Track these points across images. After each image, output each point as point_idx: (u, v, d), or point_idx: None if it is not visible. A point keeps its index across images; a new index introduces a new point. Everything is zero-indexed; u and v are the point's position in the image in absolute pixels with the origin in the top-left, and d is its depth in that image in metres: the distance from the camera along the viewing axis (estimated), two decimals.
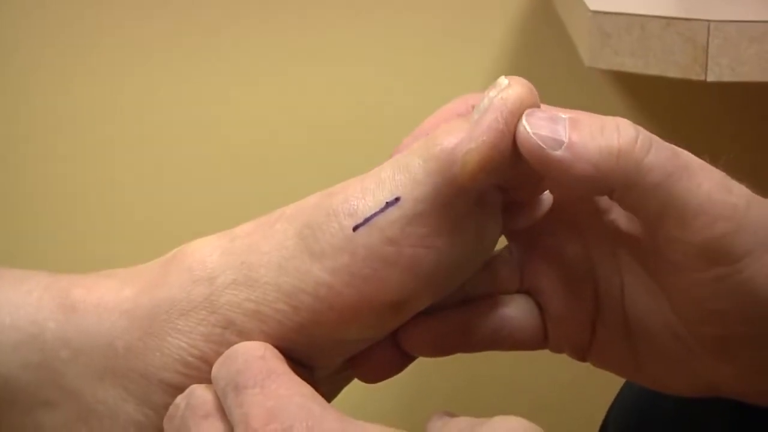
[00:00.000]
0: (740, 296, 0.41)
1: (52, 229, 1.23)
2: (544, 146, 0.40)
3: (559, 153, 0.40)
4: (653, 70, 0.78)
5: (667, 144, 0.41)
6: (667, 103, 1.17)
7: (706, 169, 0.41)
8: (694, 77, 0.77)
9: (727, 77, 0.76)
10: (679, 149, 0.41)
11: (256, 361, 0.41)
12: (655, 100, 1.18)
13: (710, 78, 0.76)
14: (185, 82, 1.18)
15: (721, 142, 1.16)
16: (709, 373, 0.44)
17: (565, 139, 0.40)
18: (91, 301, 0.45)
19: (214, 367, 0.42)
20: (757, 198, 0.42)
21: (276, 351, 0.42)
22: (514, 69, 1.17)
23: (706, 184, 0.40)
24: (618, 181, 0.40)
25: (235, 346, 0.42)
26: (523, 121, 0.41)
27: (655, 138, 0.41)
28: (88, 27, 1.17)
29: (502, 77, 0.42)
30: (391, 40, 1.17)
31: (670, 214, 0.40)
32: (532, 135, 0.40)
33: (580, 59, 0.84)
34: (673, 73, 0.77)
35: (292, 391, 0.39)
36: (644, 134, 0.41)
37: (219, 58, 1.18)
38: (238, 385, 0.40)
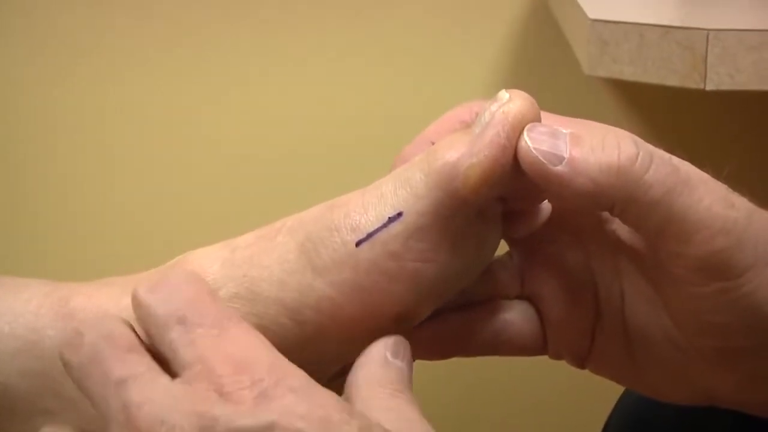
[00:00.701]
0: (741, 310, 0.41)
1: (51, 230, 1.23)
2: (544, 161, 0.40)
3: (559, 168, 0.40)
4: (652, 79, 0.78)
5: (668, 157, 0.41)
6: (666, 111, 1.17)
7: (707, 183, 0.41)
8: (692, 86, 0.77)
9: (726, 86, 0.76)
10: (681, 162, 0.41)
11: (207, 297, 0.39)
12: (654, 108, 1.18)
13: (709, 87, 0.76)
14: (184, 84, 1.19)
15: (719, 149, 1.16)
16: (708, 383, 0.44)
17: (566, 155, 0.40)
18: (91, 309, 0.45)
19: (141, 295, 0.39)
20: (759, 211, 0.42)
21: (212, 290, 0.40)
22: (513, 76, 1.17)
23: (707, 199, 0.40)
24: (618, 197, 0.40)
25: (168, 273, 0.40)
26: (525, 135, 0.41)
27: (657, 153, 0.41)
28: (86, 30, 1.18)
29: (503, 91, 0.42)
30: (391, 49, 1.17)
31: (671, 230, 0.40)
32: (533, 150, 0.40)
33: (580, 67, 0.84)
34: (671, 81, 0.77)
35: (258, 341, 0.38)
36: (645, 149, 0.41)
37: (219, 58, 1.18)
38: (186, 319, 0.38)
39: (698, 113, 1.16)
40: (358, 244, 0.42)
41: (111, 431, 0.37)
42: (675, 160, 0.41)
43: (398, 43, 1.17)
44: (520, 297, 0.47)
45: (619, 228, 0.45)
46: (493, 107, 0.41)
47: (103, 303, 0.45)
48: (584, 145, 0.40)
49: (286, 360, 0.38)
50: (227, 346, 0.37)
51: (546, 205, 0.45)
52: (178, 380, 0.37)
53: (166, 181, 1.21)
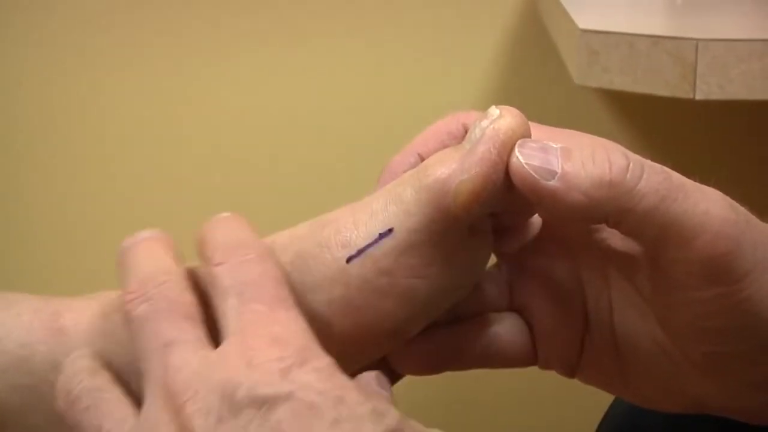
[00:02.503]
0: (737, 314, 0.41)
1: (49, 233, 1.23)
2: (537, 177, 0.40)
3: (552, 183, 0.40)
4: (641, 88, 0.79)
5: (659, 167, 0.41)
6: (656, 121, 1.18)
7: (702, 188, 0.41)
8: (682, 95, 0.77)
9: (716, 96, 0.77)
10: (673, 171, 0.41)
11: (269, 279, 0.40)
12: (643, 118, 1.18)
13: (698, 96, 0.77)
14: (182, 88, 1.19)
15: (709, 159, 1.17)
16: (696, 391, 0.44)
17: (558, 170, 0.40)
18: (82, 325, 0.45)
19: (217, 253, 0.40)
20: (753, 217, 0.42)
21: (285, 275, 0.41)
22: (504, 86, 1.18)
23: (703, 204, 0.40)
24: (611, 210, 0.40)
25: (243, 238, 0.41)
26: (516, 151, 0.41)
27: (647, 162, 0.41)
28: (85, 32, 1.18)
29: (493, 107, 0.42)
30: (383, 58, 1.18)
31: (670, 236, 0.40)
32: (525, 166, 0.40)
33: (570, 77, 0.84)
34: (661, 91, 0.78)
35: (298, 327, 0.39)
36: (635, 160, 0.41)
37: (219, 58, 1.18)
38: (243, 295, 0.39)
39: (688, 123, 1.17)
40: (349, 260, 0.42)
41: (147, 386, 0.39)
42: (666, 168, 0.41)
43: (390, 52, 1.17)
44: (509, 309, 0.47)
45: (608, 237, 0.45)
46: (484, 123, 0.41)
47: (95, 318, 0.45)
48: (575, 160, 0.40)
49: (320, 348, 0.38)
50: (269, 324, 0.38)
51: (536, 219, 0.45)
52: (217, 349, 0.38)
53: (163, 184, 1.22)
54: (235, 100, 1.19)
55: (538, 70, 1.16)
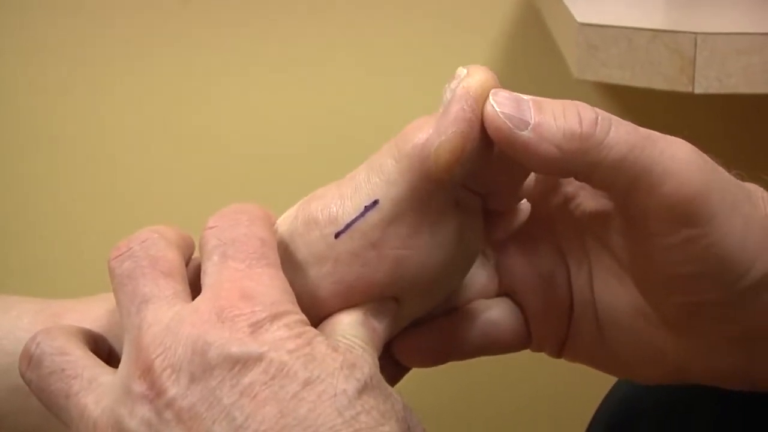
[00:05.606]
0: (709, 259, 0.41)
1: (50, 236, 1.23)
2: (511, 125, 0.40)
3: (525, 134, 0.40)
4: (641, 82, 0.79)
5: (626, 121, 0.42)
6: (655, 114, 1.18)
7: (669, 138, 0.42)
8: (681, 89, 0.77)
9: (714, 89, 0.77)
10: (640, 127, 0.42)
11: (255, 239, 0.40)
12: (643, 111, 1.18)
13: (697, 90, 0.77)
14: (183, 84, 1.19)
15: (708, 152, 1.17)
16: (676, 354, 0.45)
17: (531, 120, 0.40)
18: (84, 326, 0.45)
19: (212, 219, 0.42)
20: (721, 167, 0.43)
21: (274, 239, 0.42)
22: (503, 79, 1.17)
23: (670, 150, 0.41)
24: (582, 163, 0.41)
25: (244, 207, 0.42)
26: (490, 99, 0.41)
27: (614, 117, 0.42)
28: (89, 28, 1.18)
29: (461, 68, 0.42)
30: (381, 53, 1.18)
31: (640, 185, 0.41)
32: (500, 114, 0.41)
33: (569, 70, 0.84)
34: (660, 85, 0.78)
35: (274, 283, 0.39)
36: (603, 114, 0.41)
37: (216, 58, 1.19)
38: (226, 253, 0.40)
39: (687, 117, 1.17)
40: (337, 236, 0.42)
41: (125, 344, 0.39)
42: (633, 123, 0.42)
43: (388, 47, 1.17)
44: (499, 294, 0.47)
45: (584, 202, 0.46)
46: (453, 84, 0.42)
47: (94, 320, 0.45)
48: (547, 112, 0.41)
49: (292, 303, 0.39)
50: (245, 279, 0.39)
51: (524, 206, 0.46)
52: (189, 304, 0.39)
53: (164, 184, 1.22)
54: (236, 98, 1.19)
55: (537, 64, 1.16)
